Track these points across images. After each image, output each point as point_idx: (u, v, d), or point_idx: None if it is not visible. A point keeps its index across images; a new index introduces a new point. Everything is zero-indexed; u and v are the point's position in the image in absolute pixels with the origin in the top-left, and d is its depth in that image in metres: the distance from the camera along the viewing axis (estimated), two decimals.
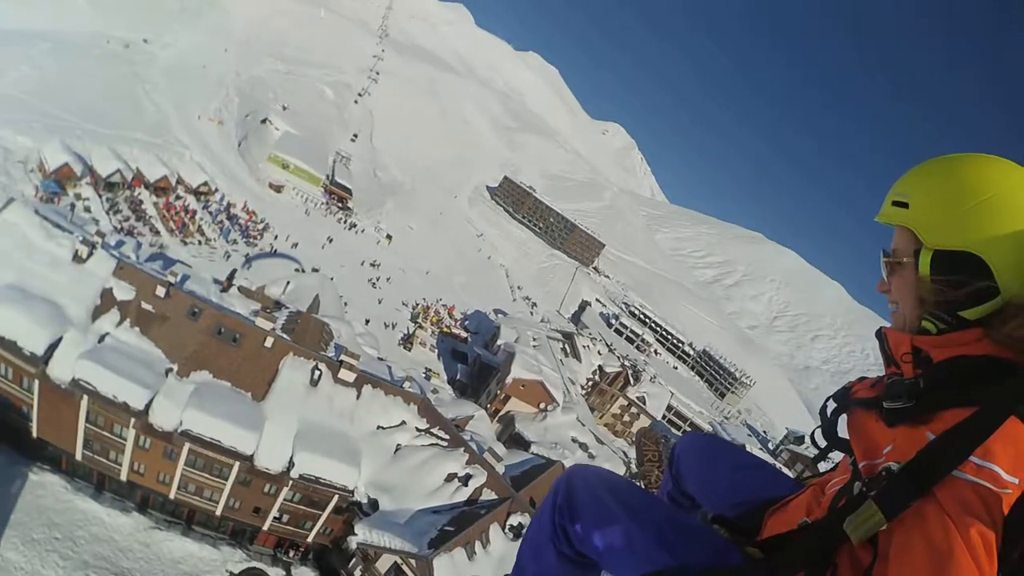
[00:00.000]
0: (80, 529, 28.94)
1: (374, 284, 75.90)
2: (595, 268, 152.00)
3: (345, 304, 56.22)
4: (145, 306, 28.93)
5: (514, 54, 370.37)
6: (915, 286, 1.54)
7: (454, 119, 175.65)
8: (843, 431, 1.77)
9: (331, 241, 79.87)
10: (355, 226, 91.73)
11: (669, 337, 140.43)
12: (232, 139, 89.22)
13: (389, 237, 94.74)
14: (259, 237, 68.75)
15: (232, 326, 30.30)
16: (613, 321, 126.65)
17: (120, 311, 28.55)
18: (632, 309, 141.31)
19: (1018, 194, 1.41)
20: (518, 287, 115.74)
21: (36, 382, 27.00)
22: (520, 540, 2.34)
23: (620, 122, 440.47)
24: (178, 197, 63.59)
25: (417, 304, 78.82)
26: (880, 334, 1.69)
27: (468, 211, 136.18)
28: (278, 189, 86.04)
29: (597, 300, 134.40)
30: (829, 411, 1.82)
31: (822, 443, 1.89)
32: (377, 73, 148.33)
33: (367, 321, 60.48)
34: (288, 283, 44.58)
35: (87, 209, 50.78)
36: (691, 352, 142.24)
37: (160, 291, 29.22)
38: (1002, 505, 1.20)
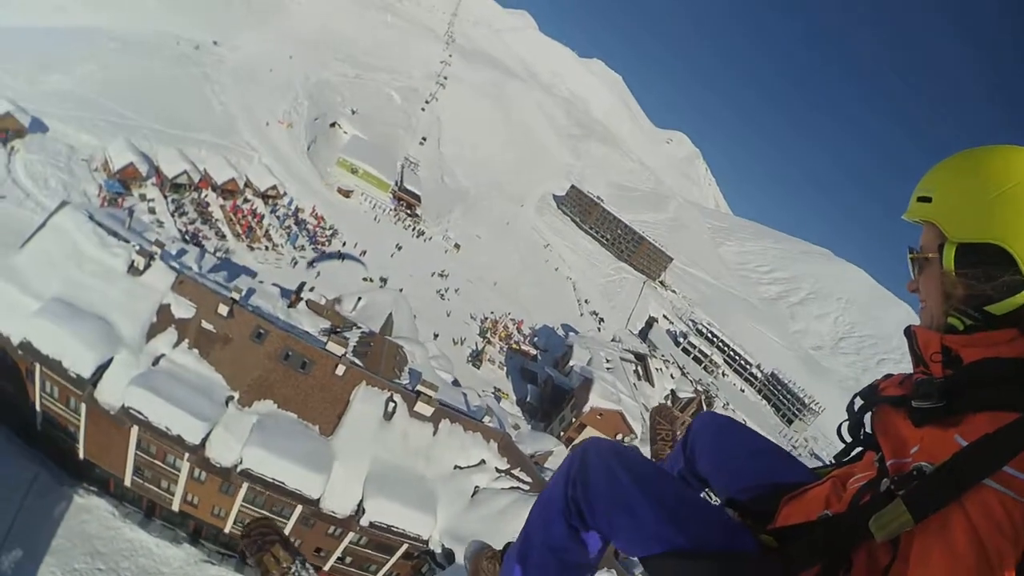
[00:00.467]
0: (126, 560, 26.08)
1: (442, 295, 72.77)
2: (661, 282, 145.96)
3: (414, 317, 52.98)
4: (206, 325, 25.64)
5: (578, 61, 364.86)
6: (940, 281, 1.51)
7: (519, 125, 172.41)
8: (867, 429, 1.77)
9: (400, 249, 77.00)
10: (423, 234, 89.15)
11: (737, 358, 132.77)
12: (301, 142, 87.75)
13: (457, 246, 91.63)
14: (327, 243, 66.14)
15: (301, 351, 26.76)
16: (681, 340, 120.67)
17: (178, 330, 25.32)
18: (700, 327, 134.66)
19: None
20: (585, 300, 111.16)
21: (83, 405, 24.12)
22: (530, 508, 2.18)
23: (684, 131, 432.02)
24: (245, 200, 61.56)
25: (486, 318, 75.20)
26: (909, 332, 1.65)
27: (535, 220, 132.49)
28: (347, 194, 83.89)
29: (664, 316, 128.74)
30: (856, 407, 1.80)
31: (848, 439, 1.86)
32: (445, 78, 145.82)
33: (436, 336, 57.07)
34: (359, 299, 41.25)
35: (152, 210, 48.88)
36: (759, 374, 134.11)
37: (223, 309, 25.89)
38: None
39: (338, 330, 31.52)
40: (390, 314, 41.25)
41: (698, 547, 1.70)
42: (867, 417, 1.78)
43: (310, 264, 57.04)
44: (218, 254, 44.87)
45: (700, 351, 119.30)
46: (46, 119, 50.76)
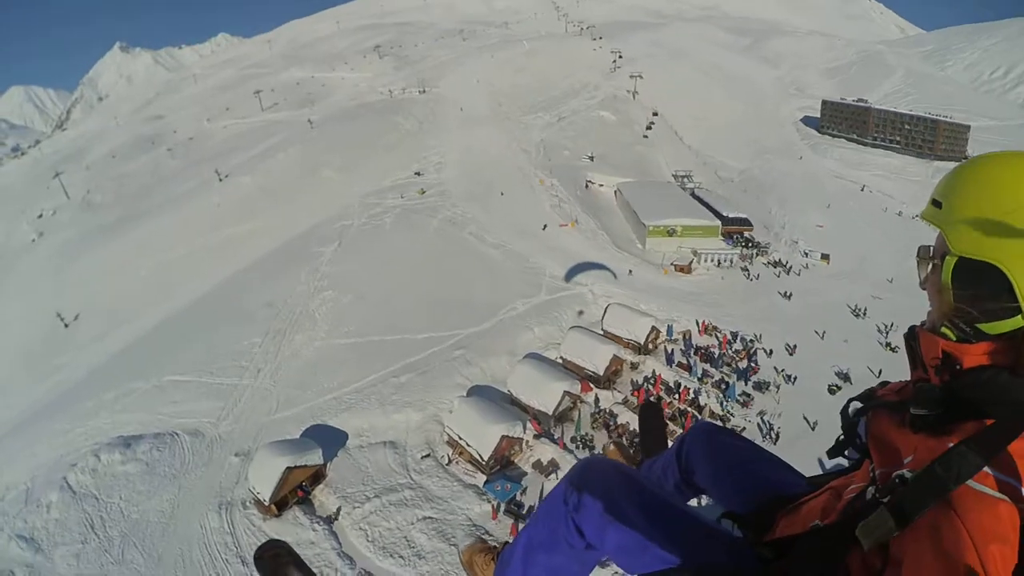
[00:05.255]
0: None
1: (889, 347, 54.49)
2: (967, 158, 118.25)
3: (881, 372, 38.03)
4: None
5: None
6: (939, 291, 1.53)
7: (710, 69, 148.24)
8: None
9: (789, 299, 60.64)
10: (780, 264, 69.26)
11: None
12: (600, 236, 71.21)
13: (826, 258, 72.27)
14: (746, 360, 48.34)
15: None
16: None
17: None
18: None
19: None
20: None
21: None
22: (528, 521, 2.33)
23: None
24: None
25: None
26: (912, 334, 1.66)
27: (826, 163, 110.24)
28: (687, 270, 64.77)
29: None
30: (851, 412, 1.82)
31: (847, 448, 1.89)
32: (641, 75, 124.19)
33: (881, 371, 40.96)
34: None
35: None
36: None
37: None
38: (1019, 520, 1.19)
39: None
40: None
41: (696, 564, 1.75)
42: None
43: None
44: None
45: None
46: None
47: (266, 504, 31.51)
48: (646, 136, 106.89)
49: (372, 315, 51.57)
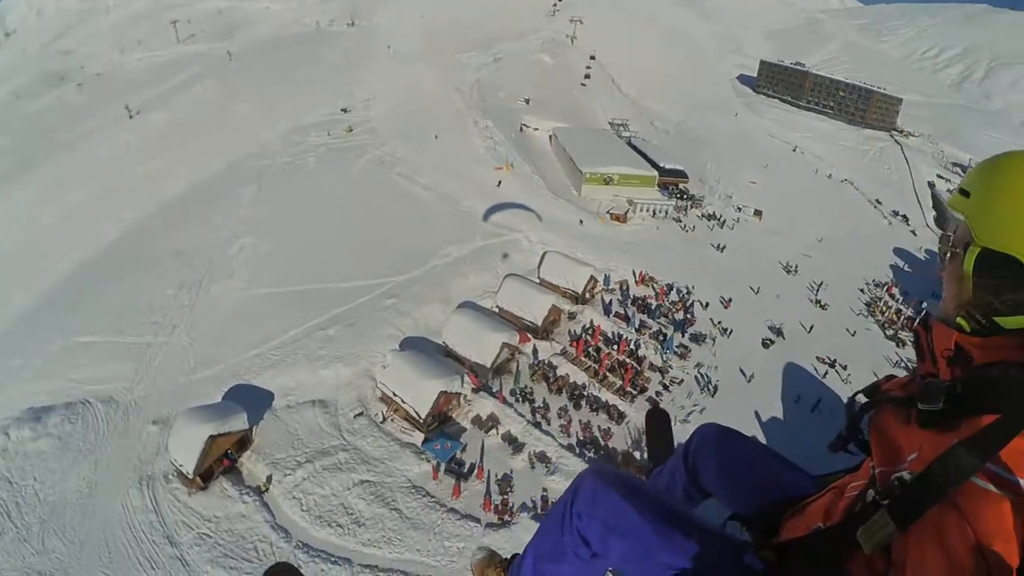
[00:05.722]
0: None
1: (819, 304, 55.89)
2: (899, 131, 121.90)
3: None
4: None
5: None
6: (958, 280, 1.52)
7: (647, 20, 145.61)
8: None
9: (722, 251, 60.78)
10: (714, 217, 69.03)
11: None
12: (534, 179, 68.24)
13: (758, 214, 72.44)
14: (682, 312, 48.10)
15: None
16: None
17: None
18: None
19: None
20: (877, 201, 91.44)
21: None
22: (536, 531, 2.35)
23: None
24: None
25: (865, 289, 60.13)
26: (926, 324, 1.64)
27: (761, 122, 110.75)
28: (623, 218, 63.19)
29: (939, 176, 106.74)
30: (857, 407, 1.79)
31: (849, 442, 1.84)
32: (581, 20, 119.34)
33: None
34: None
35: None
36: None
37: None
38: (1022, 517, 1.16)
39: None
40: None
41: (702, 570, 1.74)
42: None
43: None
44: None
45: None
46: None
47: (190, 477, 28.72)
48: (584, 84, 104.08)
49: (295, 262, 47.81)
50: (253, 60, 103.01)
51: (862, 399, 1.77)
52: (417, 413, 31.84)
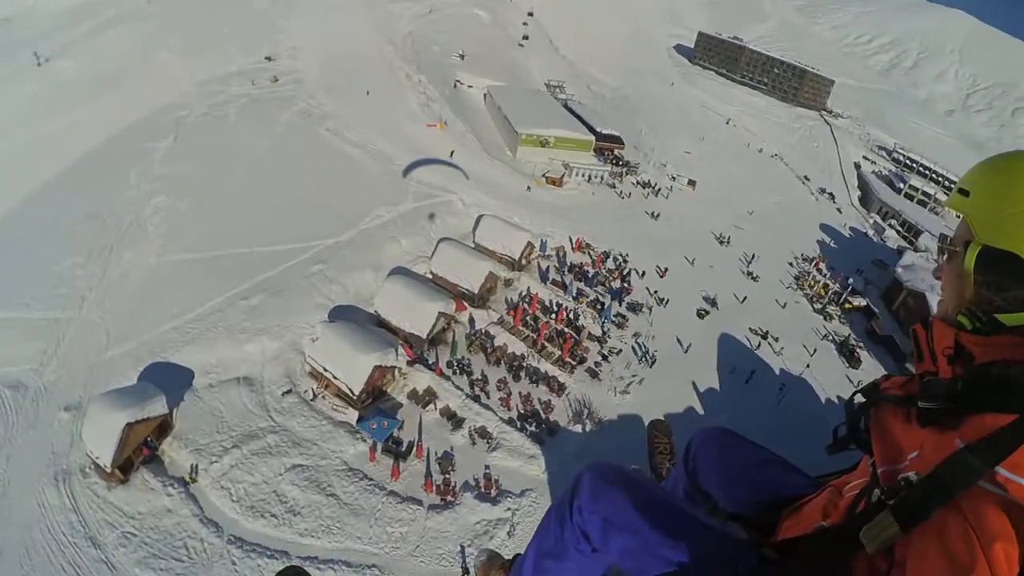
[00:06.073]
0: None
1: (751, 276, 56.24)
2: (829, 111, 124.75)
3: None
4: None
5: None
6: (959, 277, 1.52)
7: None
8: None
9: (657, 219, 60.60)
10: (649, 185, 68.51)
11: (943, 180, 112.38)
12: (469, 137, 65.76)
13: (692, 183, 72.68)
14: (619, 280, 47.51)
15: None
16: (901, 184, 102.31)
17: None
18: (896, 156, 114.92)
19: None
20: (805, 178, 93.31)
21: None
22: (537, 528, 2.33)
23: None
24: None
25: (800, 274, 60.56)
26: (927, 323, 1.63)
27: (694, 92, 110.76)
28: (558, 182, 61.84)
29: (864, 158, 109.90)
30: (856, 406, 1.78)
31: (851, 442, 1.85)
32: None
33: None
34: None
35: None
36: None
37: None
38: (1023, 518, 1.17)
39: None
40: None
41: (700, 566, 1.75)
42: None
43: None
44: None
45: (924, 192, 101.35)
46: None
47: (108, 470, 25.53)
48: (522, 44, 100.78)
49: (214, 224, 43.67)
50: (173, 4, 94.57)
51: (861, 399, 1.75)
52: (350, 389, 29.71)
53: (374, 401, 30.64)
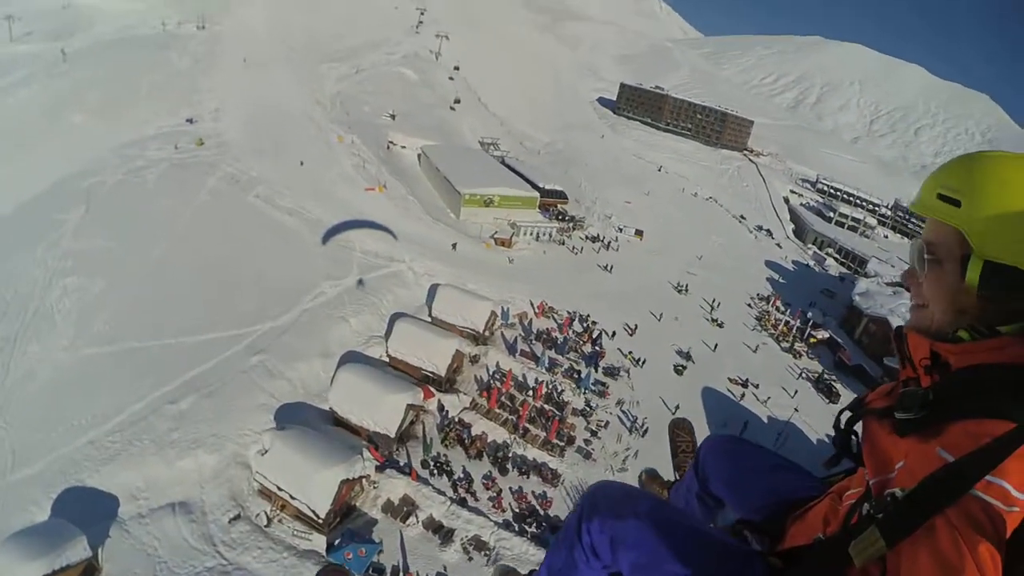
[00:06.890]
0: None
1: (716, 323, 55.08)
2: (751, 150, 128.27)
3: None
4: None
5: None
6: (956, 293, 1.43)
7: (512, 45, 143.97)
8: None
9: (611, 272, 58.89)
10: (598, 238, 67.27)
11: (866, 204, 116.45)
12: (410, 202, 62.28)
13: (640, 233, 71.62)
14: (590, 343, 44.99)
15: None
16: (831, 214, 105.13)
17: None
18: (820, 187, 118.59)
19: None
20: (741, 216, 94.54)
21: None
22: (549, 548, 2.38)
23: None
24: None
25: (752, 304, 60.27)
26: (899, 334, 1.63)
27: (627, 143, 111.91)
28: (508, 243, 58.86)
29: (792, 192, 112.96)
30: (843, 421, 1.80)
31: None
32: (447, 36, 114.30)
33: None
34: None
35: None
36: (888, 212, 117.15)
37: None
38: (1007, 524, 1.18)
39: None
40: None
41: None
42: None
43: None
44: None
45: (853, 219, 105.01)
46: None
47: None
48: (453, 108, 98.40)
49: (132, 309, 37.86)
50: (90, 61, 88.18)
51: (847, 416, 1.76)
52: (313, 511, 24.85)
53: (342, 520, 25.93)
